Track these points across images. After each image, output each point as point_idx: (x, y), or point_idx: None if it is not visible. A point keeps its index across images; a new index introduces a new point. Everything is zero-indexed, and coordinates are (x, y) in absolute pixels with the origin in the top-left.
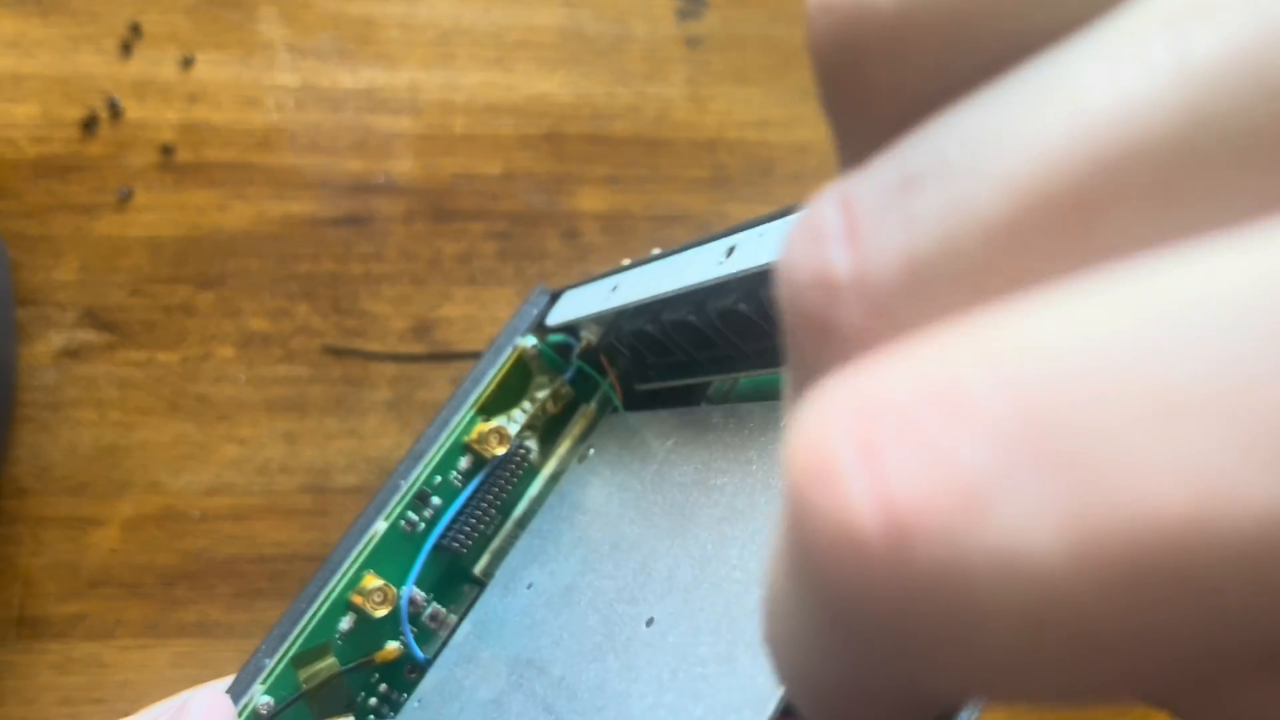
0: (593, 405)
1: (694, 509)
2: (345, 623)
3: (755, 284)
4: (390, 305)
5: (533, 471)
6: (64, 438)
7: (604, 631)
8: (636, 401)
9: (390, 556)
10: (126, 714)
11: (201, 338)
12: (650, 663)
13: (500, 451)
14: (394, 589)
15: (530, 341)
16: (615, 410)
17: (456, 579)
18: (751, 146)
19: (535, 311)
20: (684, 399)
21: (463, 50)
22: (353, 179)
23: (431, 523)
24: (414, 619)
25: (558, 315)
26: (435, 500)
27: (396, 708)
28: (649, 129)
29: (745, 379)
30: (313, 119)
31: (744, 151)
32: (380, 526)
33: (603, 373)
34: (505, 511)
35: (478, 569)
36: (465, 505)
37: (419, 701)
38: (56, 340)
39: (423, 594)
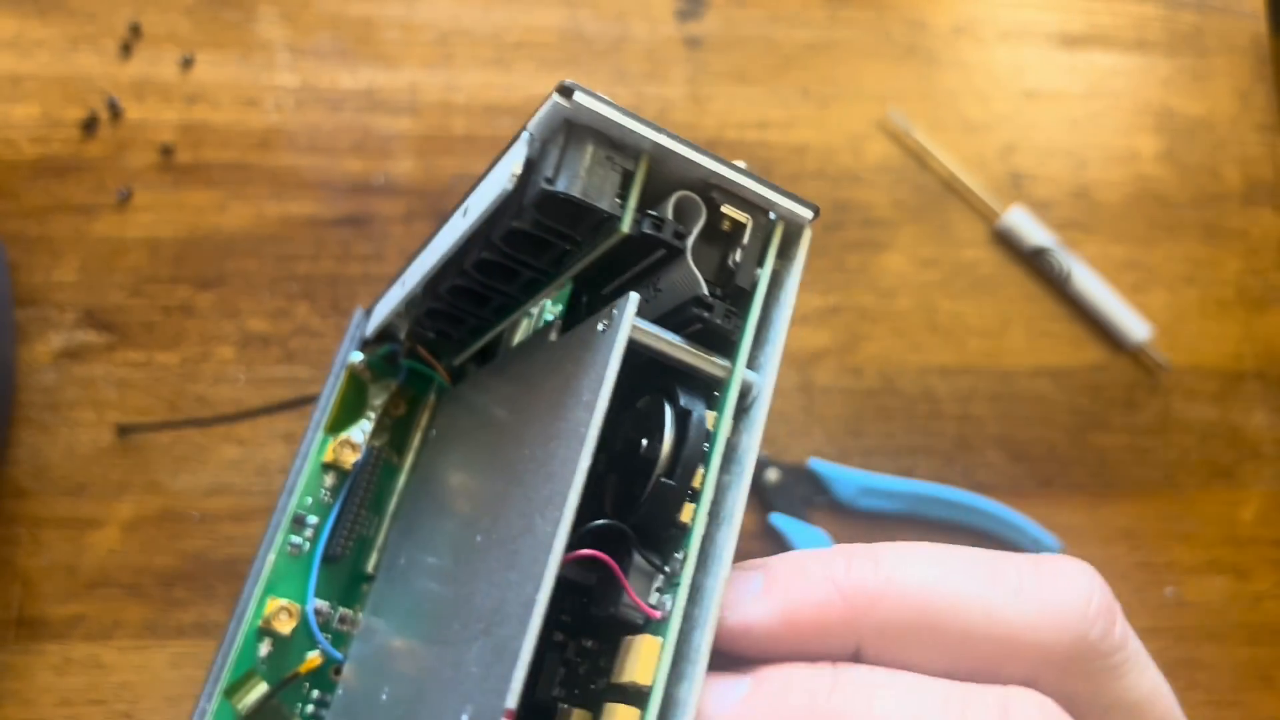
0: (431, 396)
1: (512, 441)
2: (264, 648)
3: (488, 228)
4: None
5: (395, 469)
6: (63, 438)
7: (456, 562)
8: (460, 376)
9: (287, 580)
10: (125, 715)
11: (201, 338)
12: (483, 563)
13: (355, 459)
14: (298, 605)
15: (357, 358)
16: (445, 390)
17: (354, 581)
18: (751, 147)
19: (359, 332)
20: (491, 354)
21: (462, 51)
22: (352, 179)
23: (314, 540)
24: (325, 626)
25: (371, 326)
26: (312, 519)
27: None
28: None
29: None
30: (312, 119)
31: (743, 151)
32: (270, 558)
33: (429, 364)
34: (379, 510)
35: (369, 566)
36: (339, 516)
37: (343, 691)
38: (56, 341)
39: (326, 603)
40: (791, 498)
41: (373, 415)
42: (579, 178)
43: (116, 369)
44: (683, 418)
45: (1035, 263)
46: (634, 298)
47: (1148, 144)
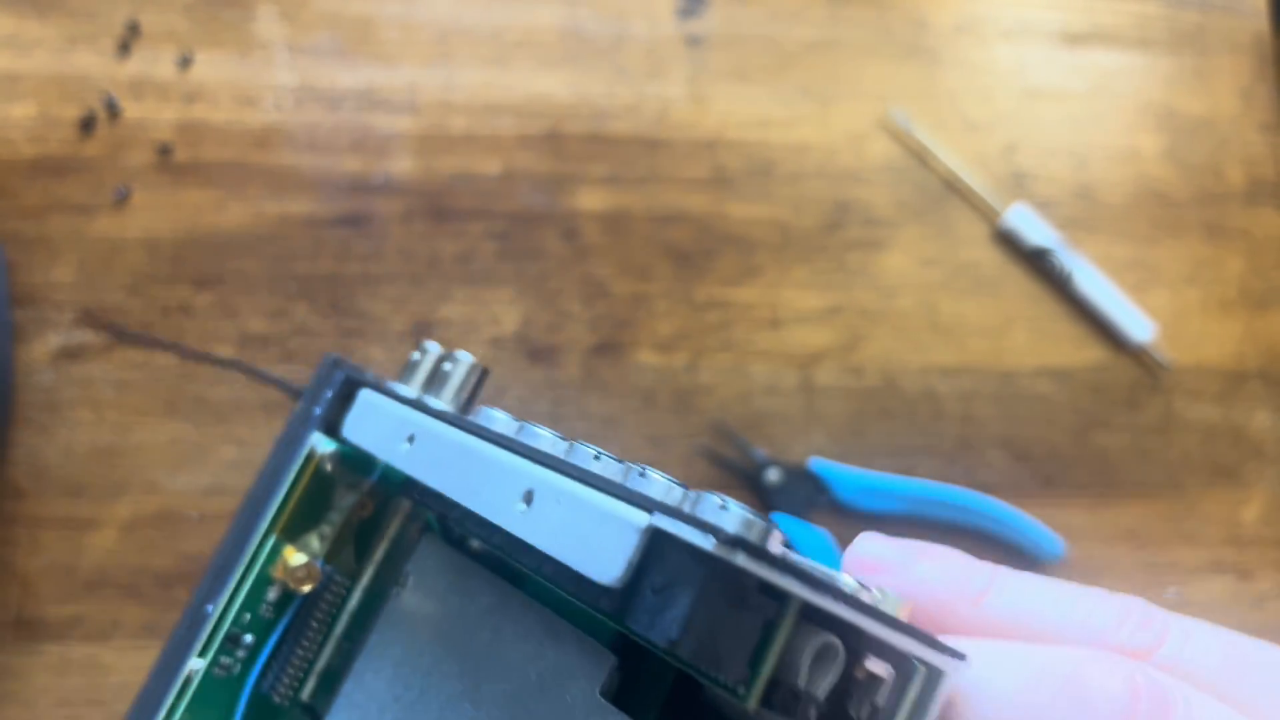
0: (405, 503)
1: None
2: None
3: (557, 580)
4: (389, 305)
5: (348, 585)
6: (61, 439)
7: None
8: (449, 532)
9: (207, 706)
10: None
11: (199, 338)
12: None
13: (308, 589)
14: None
15: (328, 448)
16: (429, 529)
17: (280, 713)
18: (751, 146)
19: (329, 394)
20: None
21: (462, 49)
22: (351, 179)
23: (247, 664)
24: None
25: (352, 427)
26: (248, 638)
27: None
28: (649, 128)
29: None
30: (311, 118)
31: (744, 151)
32: (197, 665)
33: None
34: (325, 634)
35: (305, 693)
36: (279, 644)
37: None
38: (54, 341)
39: None
40: (792, 498)
41: (335, 519)
42: (685, 632)
43: (115, 369)
44: None
45: (1037, 262)
46: None
47: (1150, 143)
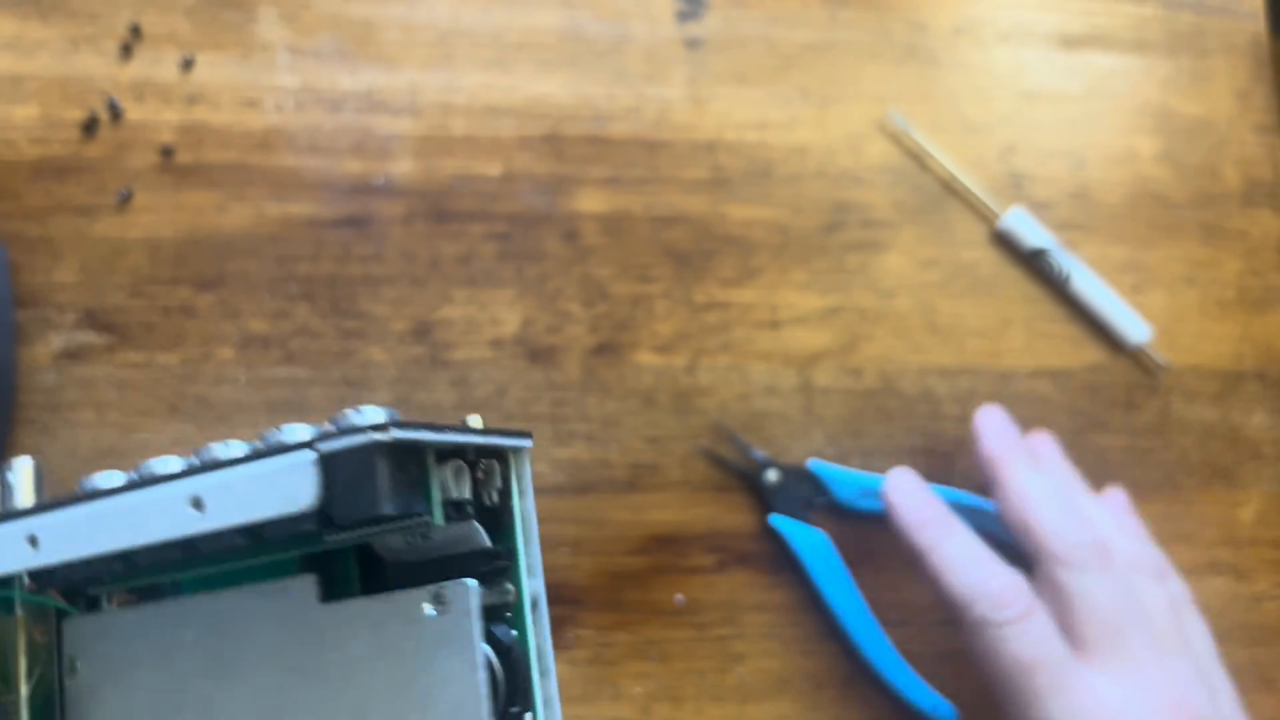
0: (17, 617)
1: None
2: None
3: (263, 528)
4: (390, 307)
5: (13, 703)
6: (63, 439)
7: None
8: (86, 602)
9: None
10: None
11: (201, 339)
12: None
13: None
14: None
15: None
16: (62, 616)
17: None
18: (751, 148)
19: None
20: (145, 593)
21: (462, 51)
22: (352, 180)
23: None
24: None
25: None
26: None
27: None
28: (648, 130)
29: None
30: (312, 120)
31: (743, 153)
32: None
33: (58, 600)
34: None
35: None
36: None
37: None
38: (56, 342)
39: None
40: (791, 499)
41: None
42: (390, 495)
43: (117, 370)
44: (504, 654)
45: (1035, 263)
46: (474, 586)
47: (1147, 144)
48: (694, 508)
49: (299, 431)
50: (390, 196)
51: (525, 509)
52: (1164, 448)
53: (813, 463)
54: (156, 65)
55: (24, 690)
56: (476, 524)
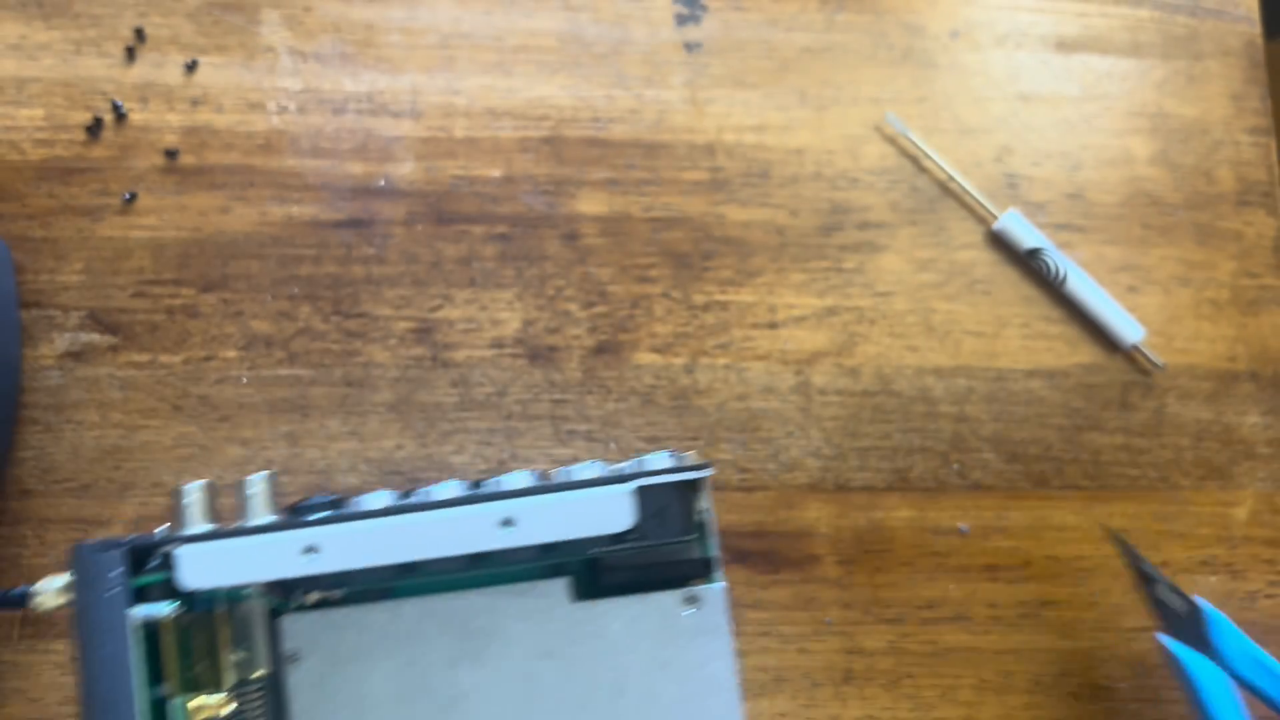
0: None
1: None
2: None
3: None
4: (391, 307)
5: (254, 689)
6: (67, 439)
7: None
8: (287, 593)
9: None
10: None
11: (204, 339)
12: None
13: (227, 711)
14: None
15: (167, 609)
16: (284, 609)
17: None
18: (749, 150)
19: (116, 573)
20: (361, 597)
21: (463, 54)
22: (354, 182)
23: None
24: None
25: (199, 577)
26: None
27: None
28: (648, 132)
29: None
30: (315, 122)
31: (742, 154)
32: None
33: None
34: None
35: None
36: None
37: None
38: (60, 342)
39: None
40: (1182, 624)
41: (201, 654)
42: (686, 520)
43: (120, 370)
44: None
45: (1030, 264)
46: (724, 587)
47: (1142, 146)
48: None
49: (590, 469)
50: (392, 198)
51: (714, 523)
52: (1159, 447)
53: (1203, 603)
54: (160, 68)
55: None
56: (699, 537)
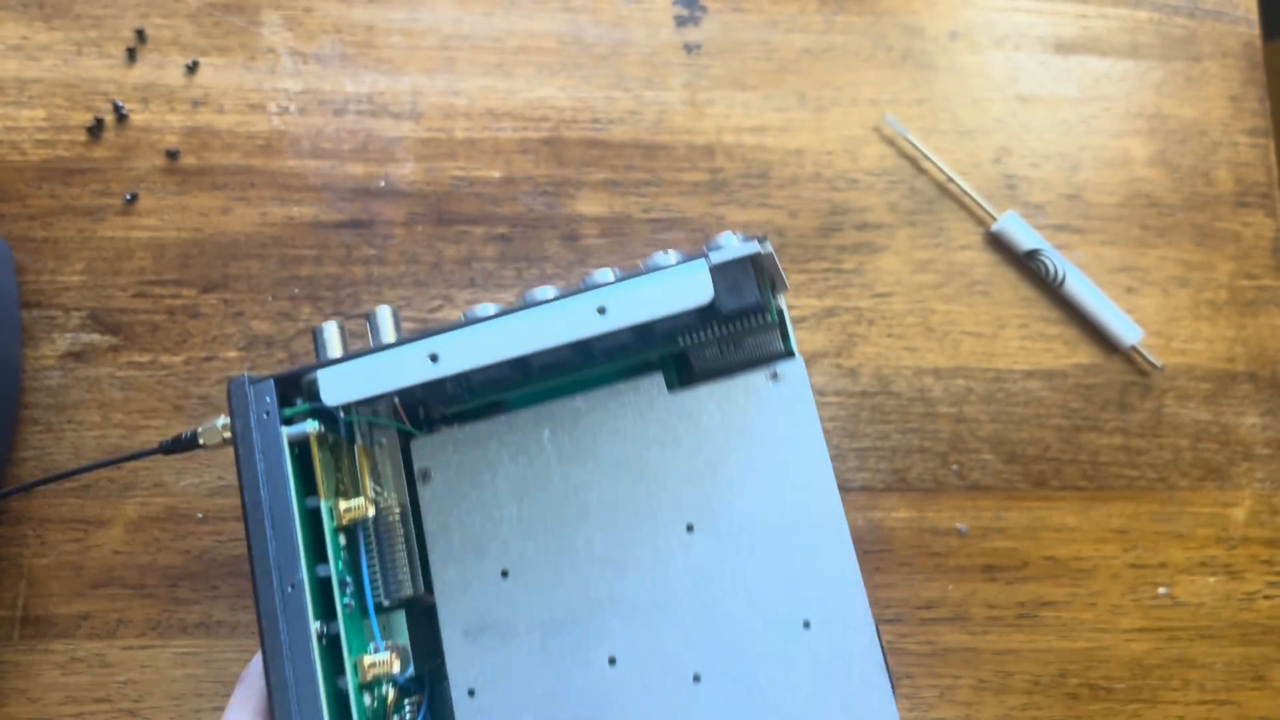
0: (360, 442)
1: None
2: (368, 700)
3: (654, 325)
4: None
5: (387, 502)
6: (68, 439)
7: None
8: (418, 424)
9: (353, 636)
10: (130, 712)
11: (205, 340)
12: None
13: (372, 514)
14: (381, 656)
15: (312, 428)
16: (412, 435)
17: (403, 607)
18: (748, 150)
19: (270, 400)
20: (478, 414)
21: (464, 56)
22: (355, 182)
23: (358, 596)
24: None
25: (339, 394)
26: (348, 578)
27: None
28: (647, 133)
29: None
30: (315, 123)
31: (741, 155)
32: (327, 625)
33: (403, 421)
34: (395, 543)
35: (410, 589)
36: (378, 567)
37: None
38: (61, 343)
39: (395, 645)
40: None
41: (344, 467)
42: (759, 291)
43: (121, 370)
44: None
45: (1029, 265)
46: (802, 361)
47: (1140, 147)
48: None
49: (668, 257)
50: (392, 199)
51: (791, 327)
52: (1157, 448)
53: None
54: (161, 69)
55: (389, 498)
56: (777, 331)
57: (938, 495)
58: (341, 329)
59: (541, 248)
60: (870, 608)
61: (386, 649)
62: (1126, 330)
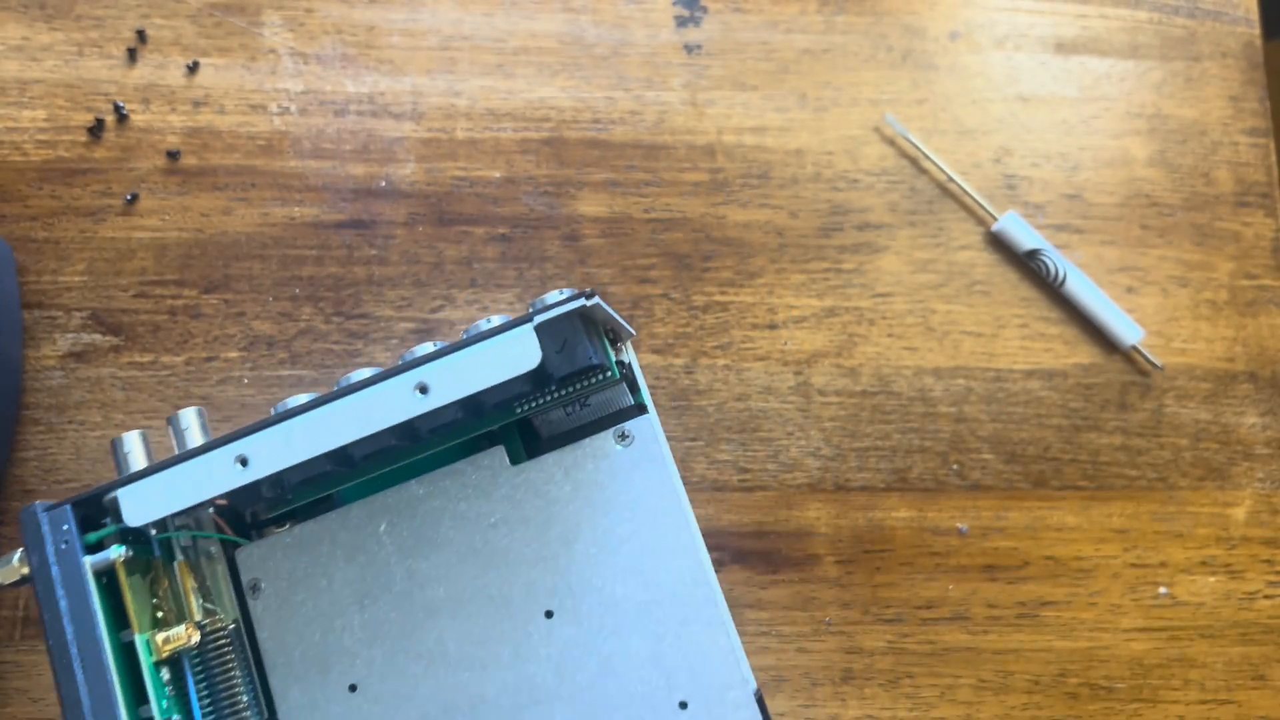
0: (178, 557)
1: (552, 543)
2: None
3: (483, 396)
4: (393, 308)
5: (221, 625)
6: (70, 439)
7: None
8: (241, 533)
9: None
10: None
11: (206, 340)
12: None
13: (196, 640)
14: None
15: (117, 553)
16: (237, 545)
17: None
18: (749, 151)
19: (69, 528)
20: (308, 512)
21: (464, 56)
22: (356, 183)
23: None
24: None
25: (140, 514)
26: (176, 718)
27: None
28: (648, 134)
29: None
30: (316, 124)
31: (741, 156)
32: None
33: (222, 530)
34: (232, 666)
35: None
36: (204, 698)
37: None
38: (62, 343)
39: None
40: None
41: (160, 598)
42: (593, 348)
43: (122, 371)
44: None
45: (1029, 265)
46: (654, 418)
47: (1140, 147)
48: (692, 507)
49: (491, 321)
50: (393, 199)
51: (643, 380)
52: (1157, 448)
53: None
54: (162, 69)
55: (225, 617)
56: (625, 388)
57: (938, 495)
58: (144, 438)
59: (542, 248)
60: (754, 677)
61: None
62: (1127, 330)
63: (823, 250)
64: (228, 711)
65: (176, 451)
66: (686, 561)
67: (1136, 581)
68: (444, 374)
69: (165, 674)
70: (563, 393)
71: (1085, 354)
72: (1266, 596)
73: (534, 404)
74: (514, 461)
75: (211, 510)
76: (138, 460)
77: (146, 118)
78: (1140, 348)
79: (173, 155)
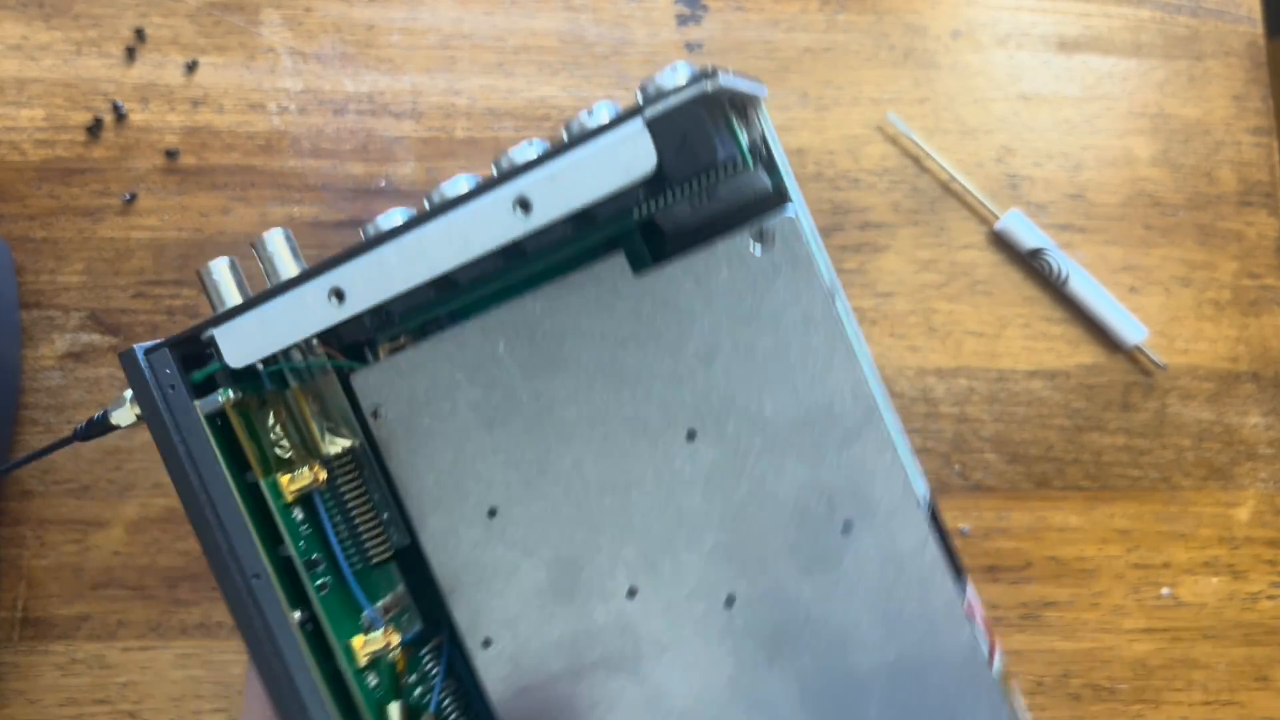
0: (293, 384)
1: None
2: (372, 680)
3: (597, 208)
4: None
5: (346, 454)
6: None
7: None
8: (354, 355)
9: (341, 617)
10: (130, 714)
11: None
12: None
13: (324, 477)
14: (374, 634)
15: (226, 396)
16: (353, 370)
17: (388, 564)
18: None
19: (171, 370)
20: (421, 332)
21: (464, 55)
22: (355, 182)
23: (334, 569)
24: (403, 613)
25: (242, 354)
26: (315, 555)
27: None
28: None
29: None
30: (315, 123)
31: None
32: (302, 613)
33: (335, 358)
34: (365, 496)
35: (390, 546)
36: (342, 533)
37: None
38: (60, 343)
39: (385, 599)
40: None
41: (279, 432)
42: (720, 141)
43: (120, 371)
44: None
45: (1032, 264)
46: (797, 213)
47: (1143, 147)
48: None
49: (612, 107)
50: (393, 199)
51: (781, 152)
52: (1160, 448)
53: None
54: (160, 68)
55: (345, 444)
56: (762, 169)
57: (940, 496)
58: (233, 265)
59: None
60: (929, 493)
61: (382, 610)
62: (1131, 330)
63: (824, 249)
64: (367, 538)
65: (268, 280)
66: (844, 376)
67: (1139, 582)
68: (547, 186)
69: (298, 513)
70: (690, 186)
71: (1088, 354)
72: (1270, 597)
73: (653, 206)
74: (637, 269)
75: (315, 340)
76: (229, 290)
77: (145, 117)
78: (1143, 348)
79: (171, 155)
